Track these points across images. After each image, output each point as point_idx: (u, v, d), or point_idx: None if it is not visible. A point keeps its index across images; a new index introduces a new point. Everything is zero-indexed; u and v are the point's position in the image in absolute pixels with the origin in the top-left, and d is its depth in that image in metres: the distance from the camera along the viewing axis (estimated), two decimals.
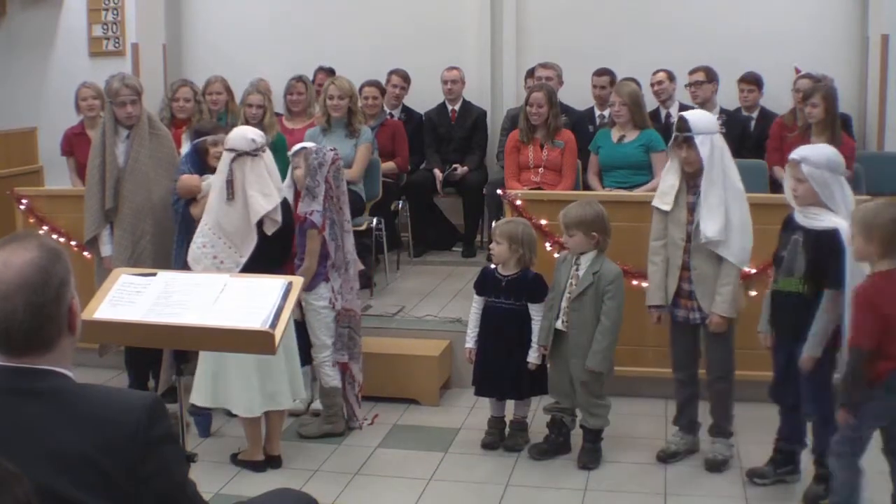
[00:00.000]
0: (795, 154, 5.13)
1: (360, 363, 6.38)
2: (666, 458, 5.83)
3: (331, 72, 9.79)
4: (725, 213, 5.39)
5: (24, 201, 7.86)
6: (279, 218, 5.75)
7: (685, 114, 5.72)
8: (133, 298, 4.11)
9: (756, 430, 5.92)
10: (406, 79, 9.87)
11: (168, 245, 6.42)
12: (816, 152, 5.12)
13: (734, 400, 5.74)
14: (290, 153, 6.35)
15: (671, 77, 9.20)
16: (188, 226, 6.25)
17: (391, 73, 9.83)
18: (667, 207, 5.62)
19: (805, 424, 5.34)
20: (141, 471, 2.43)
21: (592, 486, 5.51)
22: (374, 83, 9.27)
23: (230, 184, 5.70)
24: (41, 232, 7.41)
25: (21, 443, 2.37)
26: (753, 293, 5.78)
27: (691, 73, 9.05)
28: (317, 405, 6.44)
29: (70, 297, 2.52)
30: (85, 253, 6.76)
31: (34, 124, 9.86)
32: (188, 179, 6.27)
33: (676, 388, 5.89)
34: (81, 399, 2.47)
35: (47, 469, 2.34)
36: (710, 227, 5.41)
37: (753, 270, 6.03)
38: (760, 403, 5.86)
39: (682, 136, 5.49)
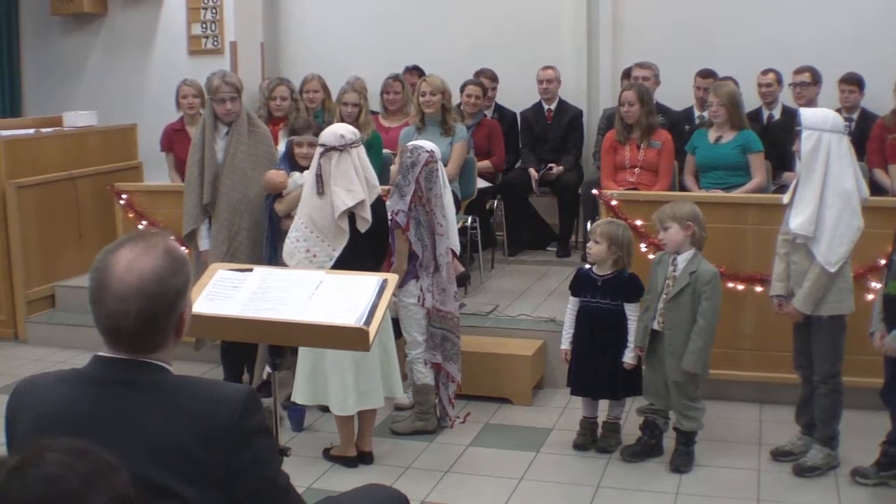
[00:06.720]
0: None
1: (459, 363, 6.34)
2: (778, 455, 5.76)
3: (418, 70, 9.87)
4: (817, 210, 5.30)
5: (123, 196, 8.01)
6: (368, 216, 5.78)
7: (805, 109, 5.66)
8: (229, 293, 4.14)
9: (863, 437, 5.75)
10: (492, 78, 9.83)
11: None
12: None
13: (840, 408, 5.58)
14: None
15: (779, 79, 9.04)
16: (273, 221, 6.35)
17: (477, 73, 9.79)
18: (785, 200, 5.57)
19: None
20: (235, 462, 2.45)
21: (684, 489, 5.45)
22: (476, 82, 9.27)
23: (319, 178, 5.78)
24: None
25: (122, 432, 2.41)
26: None
27: (796, 72, 8.88)
28: (401, 399, 6.44)
29: (183, 306, 2.56)
30: (183, 248, 6.85)
31: (134, 121, 10.02)
32: (273, 175, 6.37)
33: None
34: (179, 391, 2.51)
35: (145, 459, 2.37)
36: (794, 220, 5.38)
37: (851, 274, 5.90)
38: (869, 411, 5.74)
39: (796, 129, 5.46)
